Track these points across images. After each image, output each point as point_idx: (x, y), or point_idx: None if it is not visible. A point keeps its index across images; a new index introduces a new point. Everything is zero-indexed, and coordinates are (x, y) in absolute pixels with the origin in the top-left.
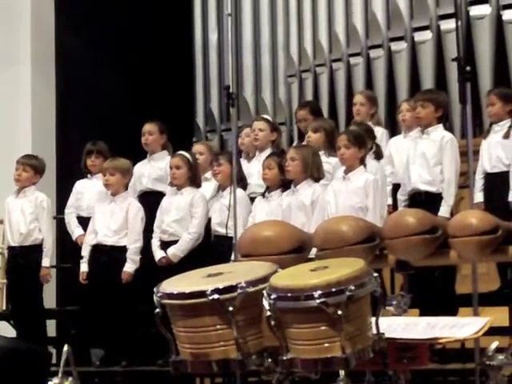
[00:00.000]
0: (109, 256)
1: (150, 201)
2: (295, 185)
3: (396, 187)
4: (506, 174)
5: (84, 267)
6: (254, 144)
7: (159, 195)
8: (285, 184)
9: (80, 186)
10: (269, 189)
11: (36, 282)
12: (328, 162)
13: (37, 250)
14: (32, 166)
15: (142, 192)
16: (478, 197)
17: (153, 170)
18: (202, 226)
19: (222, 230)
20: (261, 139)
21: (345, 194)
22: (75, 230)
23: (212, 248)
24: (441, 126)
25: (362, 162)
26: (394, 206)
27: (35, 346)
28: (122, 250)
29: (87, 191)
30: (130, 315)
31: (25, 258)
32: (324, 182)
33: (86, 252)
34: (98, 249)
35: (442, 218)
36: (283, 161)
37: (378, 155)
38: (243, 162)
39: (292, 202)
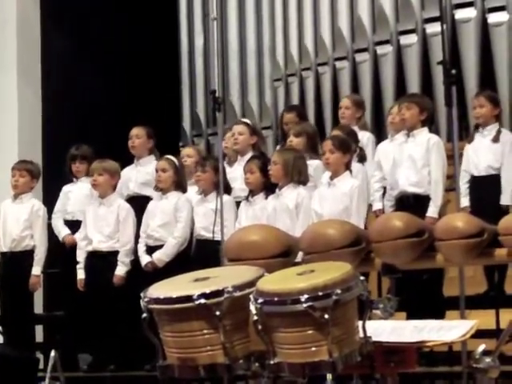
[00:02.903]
0: (105, 262)
1: (137, 206)
2: (280, 188)
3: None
4: (495, 177)
5: (81, 274)
6: (234, 148)
7: (146, 200)
8: (268, 187)
9: (67, 189)
10: (252, 192)
11: (26, 289)
12: (309, 165)
13: (27, 256)
14: (28, 170)
15: (128, 197)
16: (465, 201)
17: (139, 174)
18: (187, 230)
19: (207, 235)
20: (241, 143)
21: (331, 200)
22: (62, 230)
23: (197, 252)
24: (426, 129)
25: (348, 167)
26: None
27: (22, 351)
28: (117, 254)
29: (73, 195)
30: (119, 319)
31: (15, 264)
32: (308, 184)
33: (81, 258)
34: (93, 255)
35: (428, 221)
36: (267, 164)
37: (362, 158)
38: (226, 166)
39: (277, 206)
